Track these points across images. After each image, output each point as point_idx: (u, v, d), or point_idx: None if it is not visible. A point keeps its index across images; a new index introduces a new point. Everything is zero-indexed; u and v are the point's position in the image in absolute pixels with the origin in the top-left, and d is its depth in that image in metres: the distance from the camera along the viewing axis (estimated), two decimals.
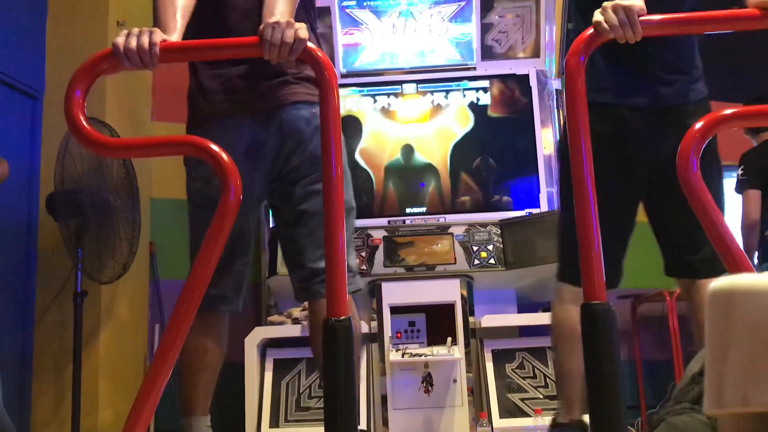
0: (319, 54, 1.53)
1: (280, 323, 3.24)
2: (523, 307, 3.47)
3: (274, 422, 3.13)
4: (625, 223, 1.99)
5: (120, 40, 1.49)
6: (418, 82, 3.68)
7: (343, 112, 3.67)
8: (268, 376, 3.21)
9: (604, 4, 1.53)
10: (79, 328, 3.32)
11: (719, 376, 0.39)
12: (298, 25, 1.54)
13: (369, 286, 3.28)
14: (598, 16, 1.52)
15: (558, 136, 3.52)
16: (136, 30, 1.52)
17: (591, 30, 1.52)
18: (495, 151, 3.65)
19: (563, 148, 2.09)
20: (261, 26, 1.54)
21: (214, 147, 1.47)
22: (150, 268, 3.87)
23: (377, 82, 3.71)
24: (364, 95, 3.70)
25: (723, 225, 1.37)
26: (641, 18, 1.51)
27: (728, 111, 1.46)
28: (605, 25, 1.50)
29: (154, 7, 1.74)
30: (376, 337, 3.20)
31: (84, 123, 1.40)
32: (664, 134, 1.91)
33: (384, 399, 3.14)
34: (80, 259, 3.31)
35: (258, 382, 3.19)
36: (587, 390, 1.40)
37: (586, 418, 1.51)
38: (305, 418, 3.12)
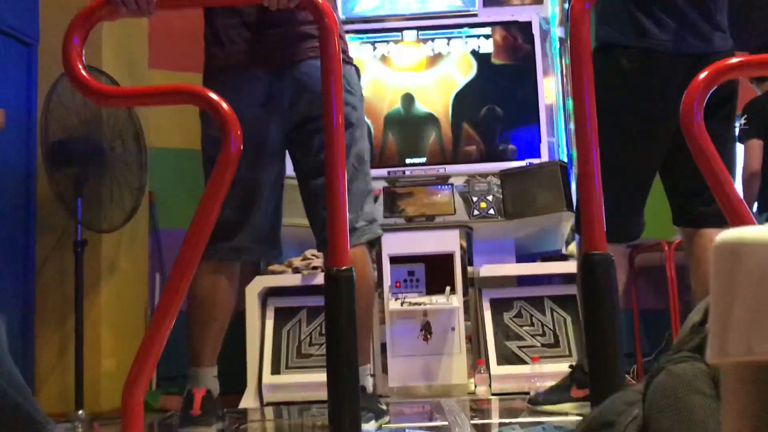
0: (319, 1, 1.50)
1: (281, 272, 3.26)
2: (522, 257, 3.48)
3: (276, 369, 3.17)
4: (651, 170, 1.97)
5: None
6: (418, 29, 3.62)
7: None
8: (269, 324, 3.25)
9: None
10: (81, 277, 3.34)
11: (723, 326, 0.39)
12: None
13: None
14: None
15: (561, 85, 3.48)
16: None
17: None
18: (497, 100, 3.61)
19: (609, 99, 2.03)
20: None
21: (213, 96, 1.46)
22: (149, 218, 3.87)
23: (377, 29, 3.65)
24: (363, 42, 3.64)
25: (725, 175, 1.37)
26: None
27: (734, 60, 1.44)
28: None
29: None
30: (375, 286, 3.22)
31: (83, 72, 1.38)
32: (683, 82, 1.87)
33: (384, 347, 3.18)
34: (79, 209, 3.31)
35: (259, 331, 3.23)
36: (585, 337, 1.42)
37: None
38: (306, 365, 3.17)
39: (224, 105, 1.45)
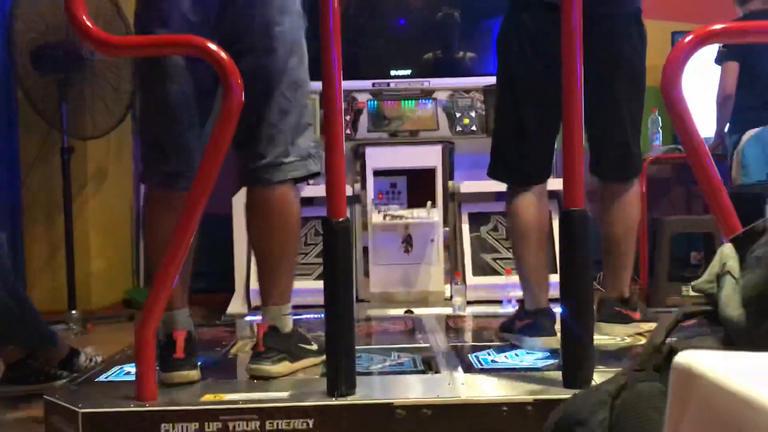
0: None
1: None
2: None
3: None
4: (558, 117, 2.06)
5: None
6: None
7: None
8: None
9: None
10: (68, 183, 3.40)
11: None
12: None
13: (353, 150, 3.36)
14: None
15: None
16: None
17: None
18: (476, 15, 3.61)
19: (502, 42, 2.10)
20: None
21: (213, 46, 1.50)
22: (132, 123, 3.88)
23: None
24: None
25: (701, 144, 1.47)
26: None
27: (718, 26, 1.51)
28: None
29: None
30: (359, 198, 3.34)
31: (89, 23, 1.41)
32: (600, 39, 1.91)
33: (365, 251, 3.32)
34: (65, 116, 3.32)
35: (245, 238, 3.35)
36: (561, 285, 1.56)
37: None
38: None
39: (224, 55, 1.50)
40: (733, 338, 0.72)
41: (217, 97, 1.76)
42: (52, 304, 3.48)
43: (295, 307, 3.07)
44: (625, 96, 2.04)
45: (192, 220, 1.50)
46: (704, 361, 0.45)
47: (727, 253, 0.76)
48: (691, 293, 3.03)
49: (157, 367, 1.59)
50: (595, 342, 1.58)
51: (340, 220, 1.50)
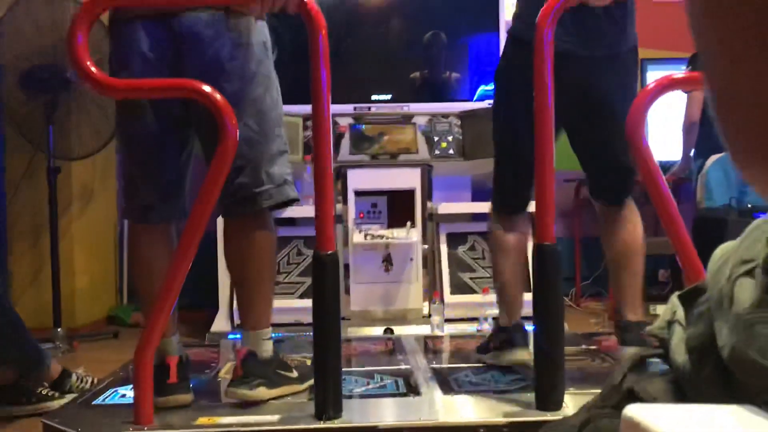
0: (308, 3, 1.62)
1: None
2: (477, 192, 3.72)
3: None
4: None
5: None
6: None
7: None
8: None
9: None
10: (54, 203, 3.45)
11: None
12: None
13: (335, 172, 3.46)
14: None
15: None
16: None
17: None
18: (459, 40, 3.74)
19: (501, 74, 2.20)
20: None
21: (206, 88, 1.59)
22: (117, 141, 3.94)
23: None
24: None
25: (662, 183, 1.59)
26: None
27: (679, 75, 1.64)
28: None
29: None
30: (341, 218, 3.43)
31: (92, 68, 1.49)
32: (595, 79, 2.03)
33: (347, 269, 3.41)
34: (51, 137, 3.38)
35: None
36: (534, 313, 1.68)
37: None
38: (275, 291, 3.40)
39: (218, 96, 1.59)
40: (681, 381, 0.83)
41: (191, 127, 1.84)
42: (37, 321, 3.51)
43: (280, 325, 3.21)
44: (619, 126, 2.11)
45: (188, 253, 1.59)
46: (650, 415, 0.56)
47: (675, 302, 0.87)
48: (658, 311, 3.17)
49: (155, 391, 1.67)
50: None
51: (329, 252, 1.59)
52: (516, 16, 2.14)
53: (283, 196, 1.84)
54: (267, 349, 1.86)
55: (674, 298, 0.88)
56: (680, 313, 0.85)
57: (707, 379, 0.76)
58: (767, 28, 0.28)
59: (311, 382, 1.73)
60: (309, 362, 1.92)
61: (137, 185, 1.87)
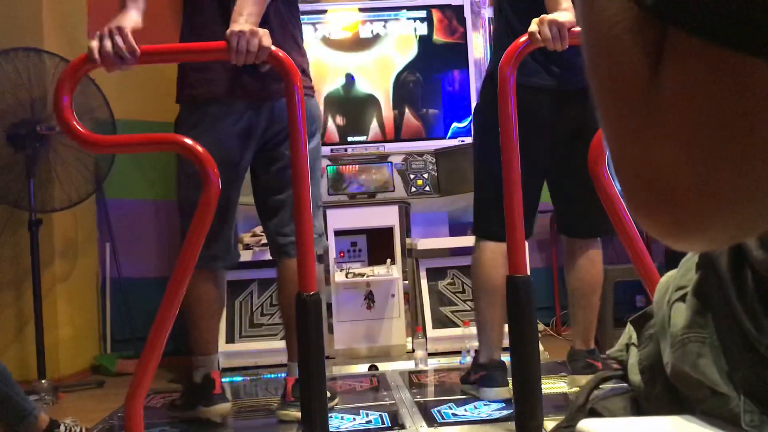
0: (281, 55, 1.71)
1: None
2: (454, 227, 3.80)
3: (230, 338, 3.44)
4: (536, 192, 2.28)
5: (94, 44, 1.63)
6: (360, 10, 3.79)
7: None
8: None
9: (541, 17, 1.74)
10: (36, 255, 3.48)
11: None
12: (261, 32, 1.70)
13: None
14: (534, 26, 1.73)
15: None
16: (106, 31, 1.66)
17: (525, 38, 1.74)
18: (431, 80, 3.86)
19: (480, 118, 2.31)
20: (227, 32, 1.70)
21: (189, 141, 1.67)
22: (95, 193, 3.99)
23: (317, 10, 3.80)
24: (305, 23, 3.79)
25: (626, 217, 1.68)
26: (571, 30, 1.73)
27: None
28: (539, 37, 1.72)
29: None
30: (321, 258, 3.49)
31: (78, 127, 1.56)
32: (568, 114, 2.15)
33: (329, 307, 3.46)
34: (32, 190, 3.42)
35: None
36: (510, 344, 1.74)
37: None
38: (258, 333, 3.44)
39: (200, 149, 1.66)
40: (639, 399, 0.91)
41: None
42: (22, 373, 3.51)
43: (261, 367, 3.24)
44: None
45: (175, 300, 1.64)
46: (599, 428, 0.63)
47: (630, 327, 0.95)
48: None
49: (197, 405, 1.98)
50: (560, 392, 1.75)
51: (311, 293, 1.66)
52: (492, 60, 2.26)
53: (321, 247, 2.36)
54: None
55: (629, 323, 0.96)
56: (635, 337, 0.93)
57: (659, 395, 0.83)
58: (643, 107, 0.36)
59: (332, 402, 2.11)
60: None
61: (209, 240, 2.10)
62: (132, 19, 1.78)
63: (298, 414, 1.94)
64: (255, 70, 2.01)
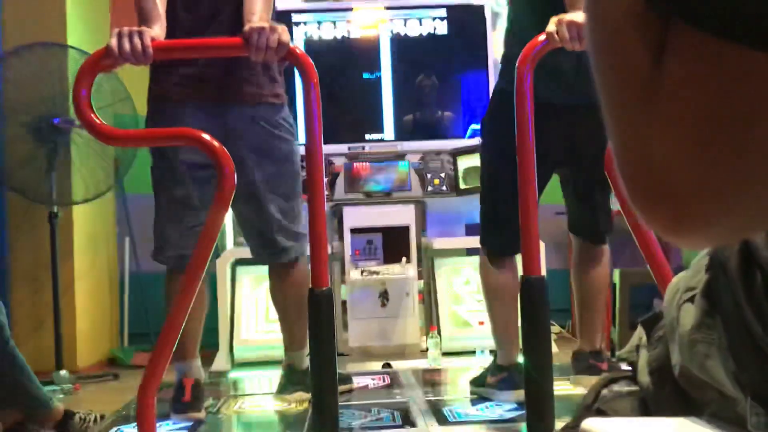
0: (299, 52, 1.72)
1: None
2: (471, 227, 3.79)
3: (245, 332, 3.46)
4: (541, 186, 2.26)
5: (114, 41, 1.65)
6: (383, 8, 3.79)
7: (302, 39, 3.78)
8: (239, 291, 3.51)
9: (559, 17, 1.73)
10: (55, 247, 3.52)
11: None
12: (280, 28, 1.71)
13: (331, 210, 3.54)
14: (552, 27, 1.72)
15: None
16: (126, 30, 1.68)
17: (542, 37, 1.73)
18: (451, 80, 3.85)
19: (488, 122, 2.30)
20: (246, 28, 1.70)
21: (205, 136, 1.68)
22: (116, 184, 4.03)
23: (336, 8, 3.81)
24: (327, 21, 3.80)
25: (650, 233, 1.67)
26: None
27: None
28: (557, 37, 1.71)
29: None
30: (337, 255, 3.50)
31: (96, 119, 1.58)
32: (577, 125, 2.13)
33: (344, 305, 3.47)
34: (53, 183, 3.46)
35: (229, 297, 3.49)
36: (523, 345, 1.73)
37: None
38: (273, 329, 3.45)
39: (216, 144, 1.67)
40: (647, 400, 0.90)
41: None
42: (39, 363, 3.55)
43: (276, 362, 3.25)
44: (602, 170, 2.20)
45: (188, 296, 1.65)
46: (603, 427, 0.63)
47: (640, 328, 0.94)
48: None
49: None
50: (572, 394, 1.74)
51: (323, 288, 1.66)
52: (500, 74, 2.25)
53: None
54: (305, 362, 2.30)
55: (640, 324, 0.95)
56: (645, 338, 0.92)
57: (667, 397, 0.83)
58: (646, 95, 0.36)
59: (346, 386, 2.24)
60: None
61: (169, 241, 2.23)
62: (155, 31, 1.79)
63: (290, 396, 2.16)
64: (219, 72, 2.04)
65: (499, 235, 2.21)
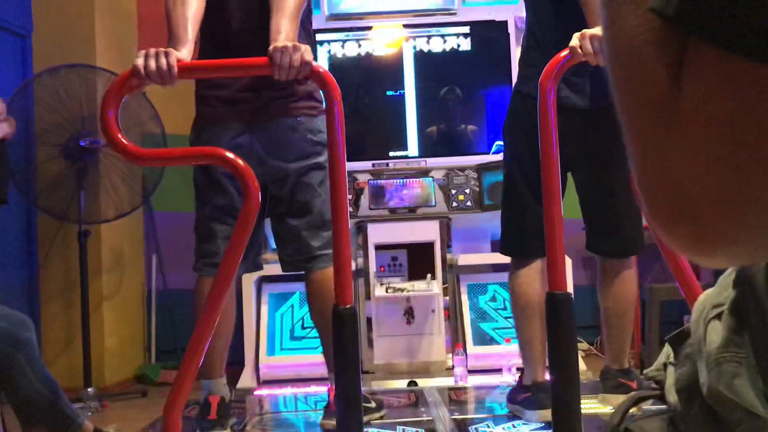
0: (322, 71, 1.73)
1: (275, 261, 3.50)
2: (496, 243, 3.76)
3: (271, 350, 3.46)
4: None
5: (140, 62, 1.68)
6: (404, 26, 3.81)
7: (325, 57, 3.81)
8: (264, 309, 3.52)
9: (583, 32, 1.73)
10: (85, 265, 3.57)
11: None
12: (303, 47, 1.72)
13: (356, 226, 3.55)
14: (575, 41, 1.72)
15: None
16: (152, 51, 1.71)
17: (565, 52, 1.72)
18: (474, 96, 3.85)
19: (505, 123, 2.30)
20: (270, 48, 1.72)
21: (230, 155, 1.69)
22: (144, 202, 4.08)
23: (359, 26, 3.84)
24: (349, 40, 3.83)
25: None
26: None
27: None
28: (580, 51, 1.70)
29: (167, 18, 1.90)
30: (361, 272, 3.50)
31: (123, 140, 1.60)
32: (596, 131, 2.12)
33: (369, 321, 3.46)
34: (81, 202, 3.52)
35: (255, 315, 3.50)
36: (549, 361, 1.71)
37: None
38: (298, 346, 3.46)
39: (240, 162, 1.69)
40: (675, 420, 0.88)
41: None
42: (68, 381, 3.59)
43: (302, 380, 3.25)
44: (623, 179, 2.18)
45: (216, 308, 1.66)
46: None
47: (668, 346, 0.92)
48: None
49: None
50: (600, 412, 1.71)
51: (347, 306, 1.66)
52: (520, 74, 2.24)
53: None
54: None
55: (667, 342, 0.94)
56: (672, 356, 0.90)
57: (696, 416, 0.81)
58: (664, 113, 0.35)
59: (378, 414, 2.20)
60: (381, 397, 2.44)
61: (213, 250, 2.22)
62: (182, 54, 1.82)
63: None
64: (259, 90, 2.07)
65: (518, 235, 2.22)
